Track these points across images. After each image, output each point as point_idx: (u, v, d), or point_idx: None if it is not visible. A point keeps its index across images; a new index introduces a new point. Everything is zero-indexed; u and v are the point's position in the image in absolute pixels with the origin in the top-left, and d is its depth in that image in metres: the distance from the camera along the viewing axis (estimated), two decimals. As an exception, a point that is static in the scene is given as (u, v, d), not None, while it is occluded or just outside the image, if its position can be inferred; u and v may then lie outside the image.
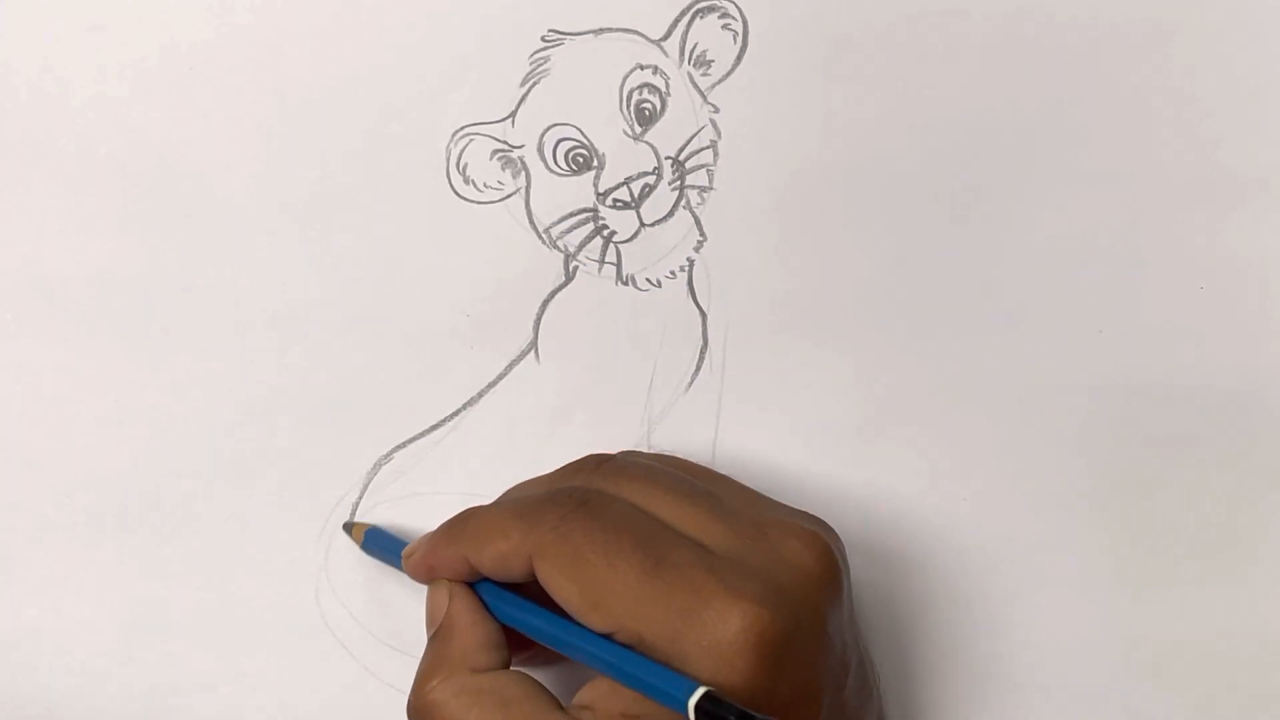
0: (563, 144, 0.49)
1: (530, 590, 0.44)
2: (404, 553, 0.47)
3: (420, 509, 0.49)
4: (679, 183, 0.49)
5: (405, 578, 0.47)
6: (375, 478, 0.49)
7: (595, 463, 0.45)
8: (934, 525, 0.49)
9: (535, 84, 0.48)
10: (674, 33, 0.49)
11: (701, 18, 0.49)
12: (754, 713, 0.37)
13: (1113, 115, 0.50)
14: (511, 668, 0.44)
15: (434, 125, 0.48)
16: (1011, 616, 0.51)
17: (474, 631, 0.44)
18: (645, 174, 0.49)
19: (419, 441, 0.49)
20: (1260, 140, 0.50)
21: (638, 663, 0.41)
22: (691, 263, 0.50)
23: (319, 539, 0.49)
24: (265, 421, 0.49)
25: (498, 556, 0.43)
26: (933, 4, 0.49)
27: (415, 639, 0.49)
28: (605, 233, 0.49)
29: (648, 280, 0.50)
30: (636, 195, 0.49)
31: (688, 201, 0.49)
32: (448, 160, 0.49)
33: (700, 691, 0.38)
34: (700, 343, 0.50)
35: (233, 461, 0.49)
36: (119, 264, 0.48)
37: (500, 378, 0.49)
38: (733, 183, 0.49)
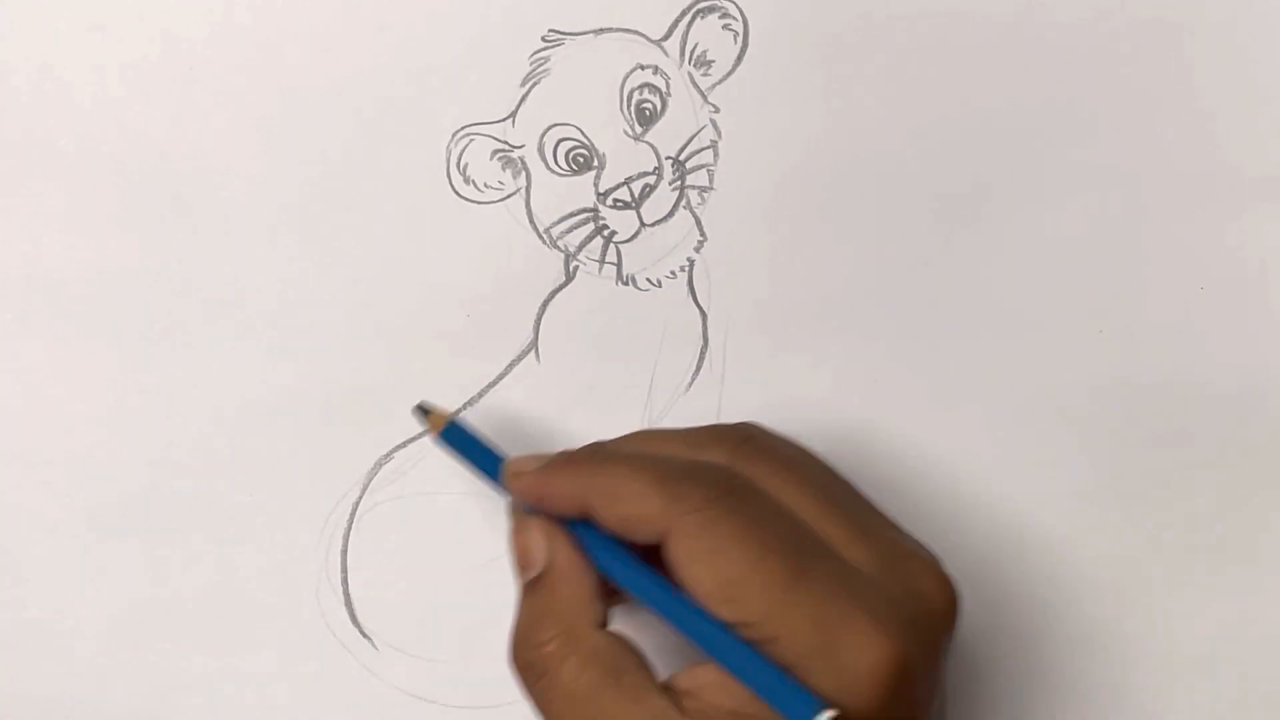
0: (563, 144, 0.49)
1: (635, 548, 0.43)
2: (510, 467, 0.45)
3: (420, 509, 0.49)
4: (679, 183, 0.49)
5: (404, 575, 0.48)
6: (375, 478, 0.49)
7: (738, 439, 0.44)
8: (934, 525, 0.49)
9: (535, 84, 0.48)
10: (674, 33, 0.49)
11: (702, 18, 0.49)
12: None
13: (1112, 115, 0.50)
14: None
15: (434, 125, 0.48)
16: (1011, 615, 0.51)
17: (583, 583, 0.43)
18: (646, 174, 0.49)
19: (419, 441, 0.49)
20: (1261, 140, 0.50)
21: (765, 667, 0.40)
22: (692, 263, 0.50)
23: (319, 539, 0.49)
24: (265, 421, 0.49)
25: (628, 518, 0.42)
26: (933, 4, 0.49)
27: (416, 639, 0.49)
28: (606, 233, 0.49)
29: (648, 280, 0.50)
30: (637, 195, 0.49)
31: (688, 201, 0.49)
32: (448, 160, 0.49)
33: (829, 714, 0.38)
34: (700, 343, 0.50)
35: (233, 461, 0.49)
36: (119, 264, 0.48)
37: (500, 378, 0.49)
38: (733, 183, 0.49)
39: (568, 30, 0.48)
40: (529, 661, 0.43)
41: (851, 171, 0.50)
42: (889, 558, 0.42)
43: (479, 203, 0.49)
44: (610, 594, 0.44)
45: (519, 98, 0.49)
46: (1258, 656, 0.51)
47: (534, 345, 0.49)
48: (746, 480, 0.42)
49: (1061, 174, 0.50)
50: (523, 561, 0.44)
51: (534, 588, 0.43)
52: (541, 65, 0.48)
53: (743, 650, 0.40)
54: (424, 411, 0.47)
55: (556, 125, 0.49)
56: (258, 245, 0.48)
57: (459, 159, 0.49)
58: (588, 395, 0.50)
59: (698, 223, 0.49)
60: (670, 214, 0.49)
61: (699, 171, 0.49)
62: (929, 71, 0.49)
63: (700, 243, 0.50)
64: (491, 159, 0.49)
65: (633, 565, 0.42)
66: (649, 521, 0.41)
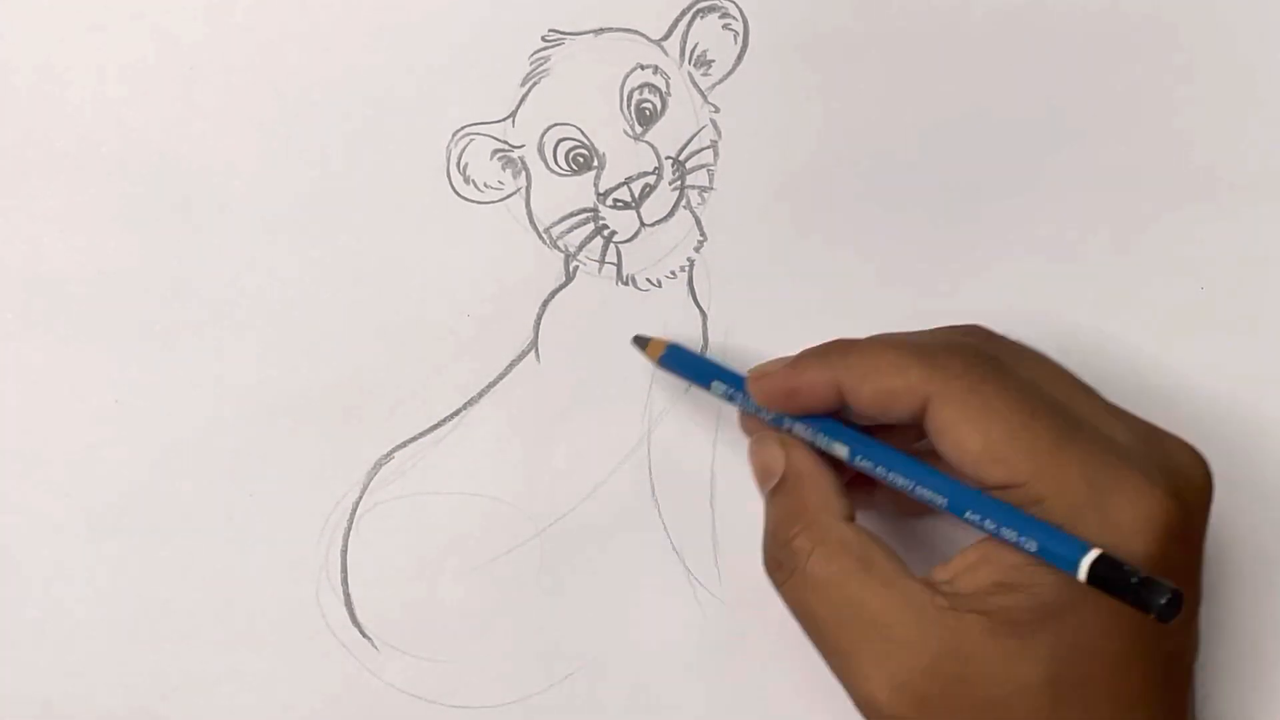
0: (563, 144, 0.49)
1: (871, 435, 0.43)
2: (753, 373, 0.45)
3: (420, 509, 0.49)
4: (679, 183, 0.49)
5: (404, 575, 0.48)
6: (375, 478, 0.49)
7: (987, 333, 0.44)
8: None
9: (535, 84, 0.48)
10: (674, 32, 0.49)
11: (702, 17, 0.49)
12: (1155, 577, 0.36)
13: (1112, 115, 0.50)
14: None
15: (434, 125, 0.48)
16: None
17: (827, 479, 0.43)
18: (645, 174, 0.49)
19: (419, 441, 0.49)
20: (1261, 140, 0.50)
21: (1029, 521, 0.39)
22: (692, 263, 0.50)
23: (319, 539, 0.49)
24: (265, 421, 0.49)
25: (886, 391, 0.42)
26: (933, 3, 0.49)
27: (415, 639, 0.49)
28: (606, 233, 0.49)
29: (648, 280, 0.50)
30: (637, 195, 0.49)
31: (688, 201, 0.49)
32: (448, 160, 0.49)
33: (1096, 553, 0.38)
34: (701, 343, 0.50)
35: (233, 461, 0.49)
36: (119, 264, 0.48)
37: (500, 378, 0.49)
38: (733, 183, 0.49)
39: (568, 30, 0.48)
40: (778, 560, 0.43)
41: (851, 171, 0.50)
42: (1145, 433, 0.42)
43: (479, 203, 0.49)
44: (853, 496, 0.44)
45: (519, 97, 0.49)
46: (1259, 656, 0.51)
47: (534, 345, 0.49)
48: (999, 355, 0.43)
49: (1061, 174, 0.50)
50: (762, 473, 0.45)
51: (776, 493, 0.44)
52: (541, 65, 0.48)
53: (1006, 510, 0.40)
54: (643, 342, 0.48)
55: (556, 125, 0.49)
56: (258, 245, 0.48)
57: (459, 159, 0.49)
58: (588, 395, 0.50)
59: (698, 223, 0.49)
60: (670, 214, 0.49)
61: (699, 171, 0.49)
62: (929, 71, 0.49)
63: (700, 243, 0.50)
64: (491, 159, 0.49)
65: (885, 448, 0.43)
66: (910, 391, 0.42)
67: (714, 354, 0.49)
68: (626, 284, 0.50)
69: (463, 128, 0.48)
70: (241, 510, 0.49)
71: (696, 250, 0.50)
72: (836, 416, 0.44)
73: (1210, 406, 0.50)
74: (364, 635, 0.49)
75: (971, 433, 0.41)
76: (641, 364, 0.50)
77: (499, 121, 0.49)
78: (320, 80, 0.48)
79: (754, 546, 0.46)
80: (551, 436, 0.50)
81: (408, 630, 0.49)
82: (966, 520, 0.41)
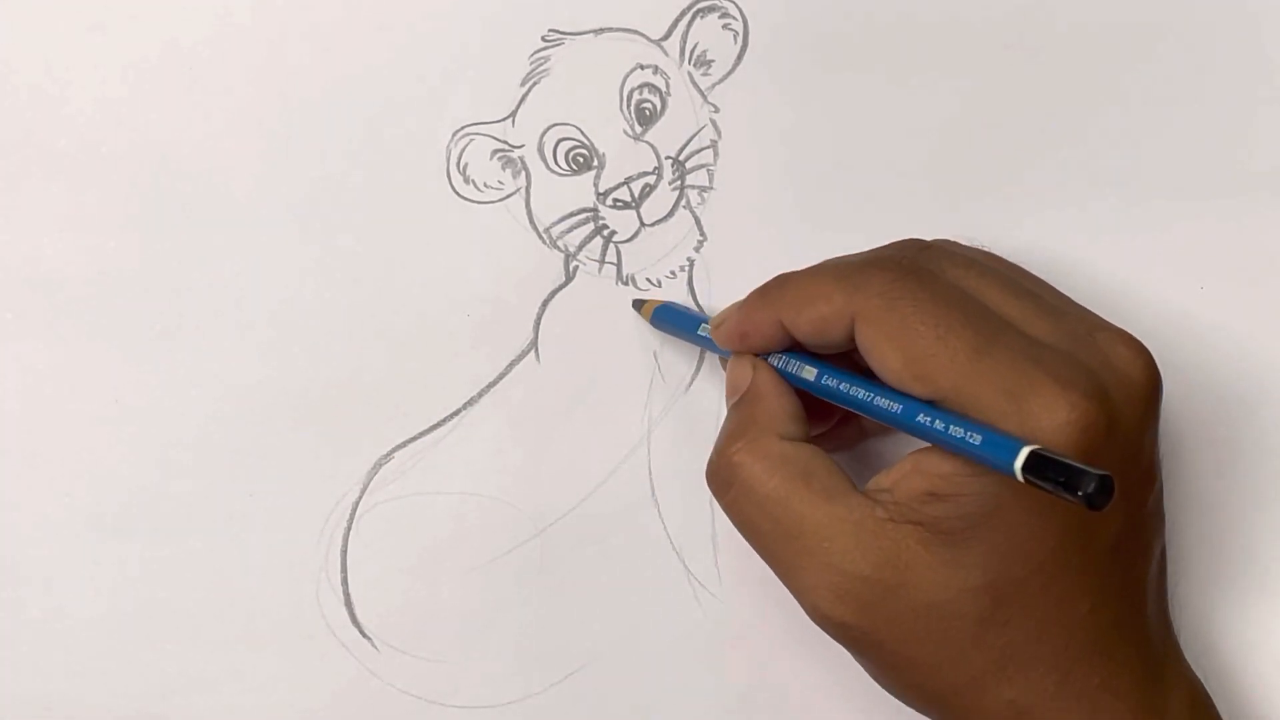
0: (563, 144, 0.49)
1: (835, 364, 0.44)
2: (712, 322, 0.46)
3: (420, 509, 0.49)
4: (679, 182, 0.49)
5: (404, 575, 0.48)
6: (375, 478, 0.49)
7: (919, 246, 0.45)
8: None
9: (535, 84, 0.48)
10: (674, 32, 0.49)
11: (702, 17, 0.49)
12: (1086, 466, 0.36)
13: (1112, 115, 0.50)
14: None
15: (434, 125, 0.48)
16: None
17: (780, 400, 0.44)
18: (645, 174, 0.49)
19: (419, 441, 0.49)
20: (1261, 139, 0.50)
21: (964, 423, 0.40)
22: (692, 262, 0.50)
23: (319, 539, 0.49)
24: (265, 421, 0.49)
25: (817, 319, 0.43)
26: (933, 3, 0.49)
27: (416, 639, 0.49)
28: (605, 232, 0.49)
29: (648, 280, 0.50)
30: (637, 195, 0.49)
31: (688, 201, 0.49)
32: (448, 160, 0.49)
33: (1028, 449, 0.38)
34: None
35: (233, 461, 0.49)
36: (119, 264, 0.48)
37: (500, 378, 0.49)
38: (733, 182, 0.49)
39: (568, 30, 0.48)
40: (719, 466, 0.44)
41: (851, 171, 0.50)
42: (1078, 331, 0.42)
43: (479, 203, 0.49)
44: (818, 425, 0.45)
45: (519, 97, 0.49)
46: (1260, 656, 0.51)
47: (534, 345, 0.49)
48: (926, 266, 0.43)
49: (1060, 174, 0.50)
50: (729, 389, 0.46)
51: (735, 407, 0.45)
52: (541, 65, 0.48)
53: (944, 414, 0.40)
54: (639, 305, 0.49)
55: (556, 125, 0.49)
56: (258, 245, 0.48)
57: (459, 159, 0.49)
58: (588, 395, 0.50)
59: (697, 223, 0.49)
60: (670, 214, 0.49)
61: (699, 171, 0.49)
62: (929, 71, 0.49)
63: (700, 243, 0.50)
64: (491, 159, 0.49)
65: (833, 372, 0.43)
66: (837, 315, 0.42)
67: (714, 354, 0.49)
68: (626, 284, 0.50)
69: (463, 128, 0.49)
70: (241, 510, 0.49)
71: (696, 250, 0.50)
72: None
73: (1211, 406, 0.50)
74: (364, 635, 0.49)
75: (891, 350, 0.41)
76: (642, 364, 0.50)
77: (499, 121, 0.49)
78: (321, 80, 0.48)
79: (754, 546, 0.46)
80: (551, 436, 0.50)
81: (408, 630, 0.49)
82: (914, 433, 0.41)
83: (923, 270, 0.43)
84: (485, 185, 0.49)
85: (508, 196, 0.49)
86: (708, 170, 0.49)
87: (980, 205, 0.50)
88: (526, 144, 0.49)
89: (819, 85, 0.49)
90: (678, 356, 0.50)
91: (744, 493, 0.43)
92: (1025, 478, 0.37)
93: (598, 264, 0.49)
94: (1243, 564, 0.51)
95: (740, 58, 0.49)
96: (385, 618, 0.49)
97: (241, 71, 0.48)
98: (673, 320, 0.48)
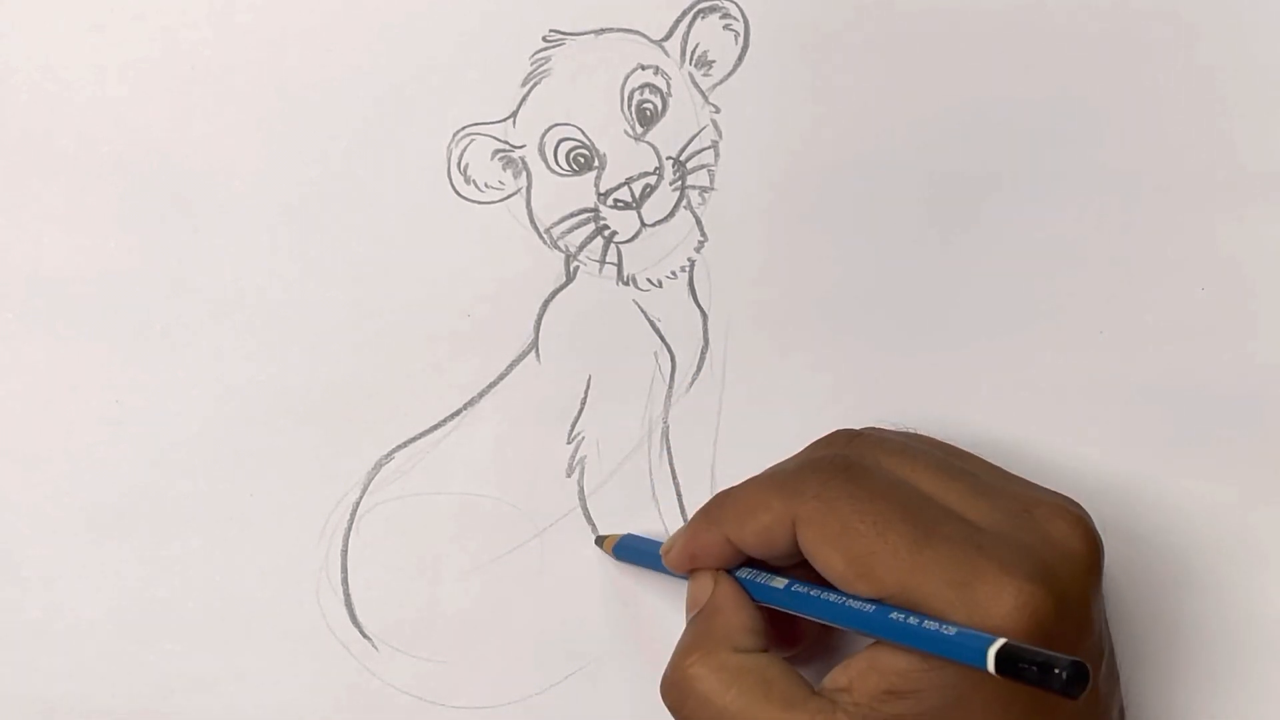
0: (564, 144, 0.49)
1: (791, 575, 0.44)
2: (662, 549, 0.47)
3: (420, 509, 0.49)
4: (680, 183, 0.49)
5: (404, 575, 0.47)
6: (375, 478, 0.49)
7: (848, 437, 0.45)
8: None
9: (536, 84, 0.48)
10: (675, 33, 0.49)
11: (703, 18, 0.49)
12: (1058, 655, 0.36)
13: (1111, 115, 0.50)
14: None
15: (435, 125, 0.48)
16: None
17: (738, 614, 0.44)
18: (646, 174, 0.49)
19: (419, 441, 0.49)
20: (1261, 140, 0.50)
21: (920, 622, 0.40)
22: (692, 263, 0.50)
23: (319, 539, 0.49)
24: (265, 421, 0.49)
25: (760, 530, 0.43)
26: (933, 2, 0.49)
27: (415, 639, 0.49)
28: (606, 233, 0.49)
29: (649, 280, 0.50)
30: (637, 195, 0.49)
31: (689, 202, 0.49)
32: (448, 160, 0.49)
33: (1000, 642, 0.38)
34: (701, 343, 0.50)
35: (233, 461, 0.49)
36: (119, 264, 0.48)
37: (500, 378, 0.49)
38: (734, 183, 0.49)
39: (568, 30, 0.48)
40: (673, 680, 0.44)
41: (851, 171, 0.50)
42: (1015, 509, 0.42)
43: (479, 203, 0.49)
44: (782, 643, 0.45)
45: (520, 98, 0.49)
46: (1261, 656, 0.51)
47: (534, 345, 0.49)
48: (859, 462, 0.43)
49: (1061, 174, 0.50)
50: (689, 603, 0.46)
51: (694, 620, 0.45)
52: (542, 65, 0.48)
53: (901, 613, 0.40)
54: (601, 540, 0.49)
55: (557, 125, 0.49)
56: (258, 245, 0.48)
57: (460, 159, 0.49)
58: (588, 395, 0.50)
59: (698, 223, 0.49)
60: (671, 214, 0.49)
61: (699, 171, 0.49)
62: (929, 71, 0.49)
63: (701, 243, 0.50)
64: (492, 159, 0.49)
65: (789, 581, 0.44)
66: (778, 523, 0.43)
67: (714, 355, 0.49)
68: (627, 284, 0.49)
69: (464, 128, 0.48)
70: (241, 510, 0.49)
71: (697, 250, 0.50)
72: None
73: (1211, 406, 0.50)
74: (364, 635, 0.49)
75: (832, 553, 0.42)
76: (642, 364, 0.50)
77: (500, 122, 0.49)
78: (321, 80, 0.48)
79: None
80: (551, 436, 0.50)
81: (408, 630, 0.49)
82: (884, 633, 0.41)
83: (855, 466, 0.43)
84: (486, 185, 0.49)
85: (508, 197, 0.49)
86: (709, 171, 0.49)
87: (980, 205, 0.50)
88: (527, 144, 0.49)
89: (819, 85, 0.49)
90: (678, 356, 0.50)
91: (700, 705, 0.43)
92: (998, 671, 0.37)
93: (598, 264, 0.49)
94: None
95: (741, 58, 0.49)
96: (385, 618, 0.49)
97: (241, 71, 0.48)
98: (634, 552, 0.48)
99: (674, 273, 0.50)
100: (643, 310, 0.50)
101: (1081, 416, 0.50)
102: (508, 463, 0.49)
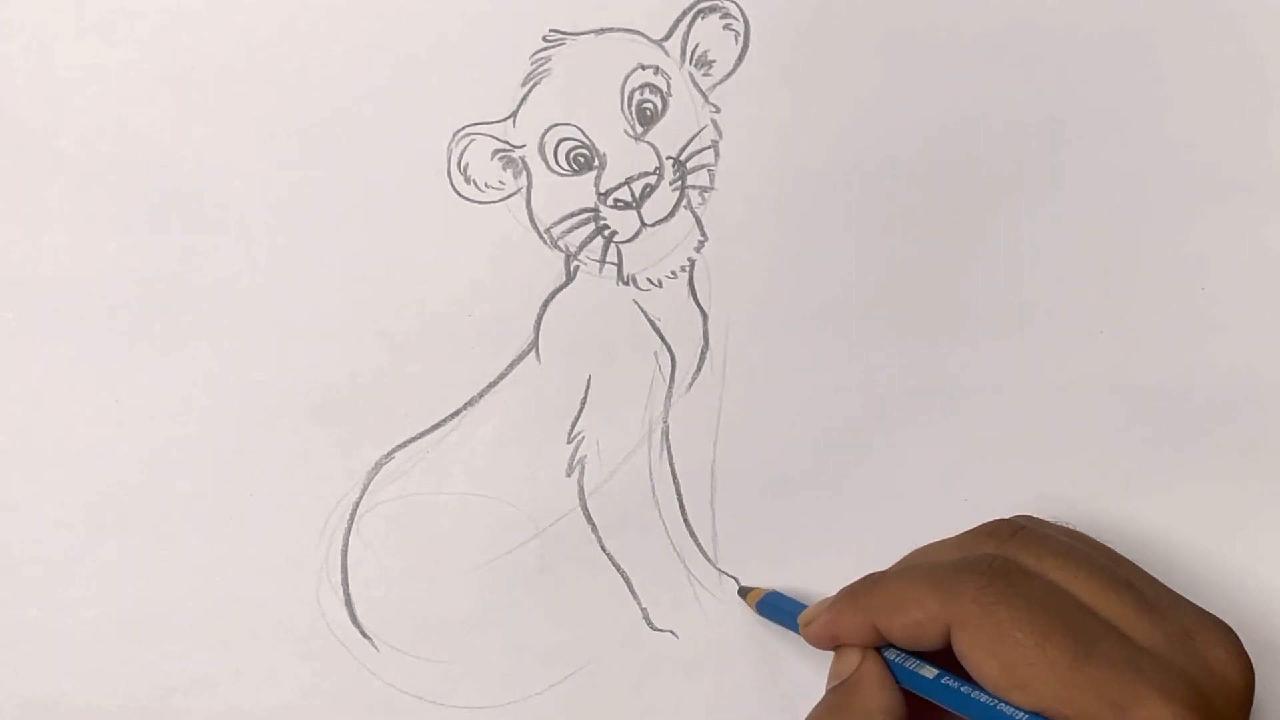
0: (564, 144, 0.49)
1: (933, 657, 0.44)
2: (801, 618, 0.47)
3: (420, 509, 0.49)
4: (680, 183, 0.49)
5: (404, 575, 0.47)
6: (375, 478, 0.49)
7: (1010, 530, 0.45)
8: (935, 525, 0.49)
9: (536, 84, 0.48)
10: (675, 33, 0.49)
11: (703, 18, 0.49)
12: None
13: (1113, 116, 0.50)
14: None
15: (435, 125, 0.48)
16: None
17: (880, 695, 0.44)
18: (646, 174, 0.49)
19: (419, 441, 0.49)
20: (1262, 141, 0.50)
21: None
22: (693, 263, 0.50)
23: (319, 539, 0.49)
24: (265, 421, 0.49)
25: (911, 625, 0.43)
26: (934, 3, 0.49)
27: (415, 639, 0.49)
28: (606, 233, 0.49)
29: (649, 280, 0.50)
30: (638, 195, 0.49)
31: (689, 201, 0.49)
32: (449, 160, 0.49)
33: None
34: (701, 343, 0.50)
35: (233, 461, 0.49)
36: (119, 264, 0.48)
37: (500, 378, 0.49)
38: (734, 183, 0.49)
39: (569, 30, 0.48)
40: None
41: (851, 171, 0.50)
42: (1177, 633, 0.42)
43: (479, 203, 0.49)
44: None
45: (520, 98, 0.49)
46: (1261, 657, 0.51)
47: (534, 345, 0.49)
48: (1021, 565, 0.43)
49: (1062, 174, 0.50)
50: (833, 674, 0.45)
51: (834, 691, 0.45)
52: (542, 65, 0.48)
53: None
54: (744, 590, 0.49)
55: (557, 125, 0.49)
56: (257, 245, 0.48)
57: (460, 159, 0.49)
58: (588, 395, 0.50)
59: (698, 223, 0.49)
60: (671, 214, 0.49)
61: (700, 171, 0.49)
62: (930, 71, 0.49)
63: (701, 243, 0.50)
64: (492, 159, 0.49)
65: (932, 676, 0.43)
66: (931, 622, 0.42)
67: (714, 355, 0.49)
68: (627, 284, 0.49)
69: (464, 128, 0.48)
70: (241, 510, 0.49)
71: (697, 250, 0.50)
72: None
73: (1211, 406, 0.50)
74: (364, 635, 0.49)
75: (988, 659, 0.41)
76: (642, 364, 0.50)
77: (500, 121, 0.49)
78: (321, 80, 0.48)
79: (754, 547, 0.46)
80: (551, 436, 0.50)
81: (408, 630, 0.49)
82: None
83: (1015, 571, 0.42)
84: (486, 185, 0.49)
85: (509, 196, 0.49)
86: (709, 170, 0.49)
87: (980, 205, 0.50)
88: (527, 144, 0.49)
89: (819, 85, 0.49)
90: (678, 356, 0.50)
91: None
92: None
93: (598, 264, 0.49)
94: None
95: (741, 58, 0.49)
96: (385, 618, 0.49)
97: (241, 71, 0.48)
98: (777, 610, 0.48)
99: (674, 272, 0.50)
100: (643, 310, 0.50)
101: (1080, 415, 0.50)
102: (508, 463, 0.49)
